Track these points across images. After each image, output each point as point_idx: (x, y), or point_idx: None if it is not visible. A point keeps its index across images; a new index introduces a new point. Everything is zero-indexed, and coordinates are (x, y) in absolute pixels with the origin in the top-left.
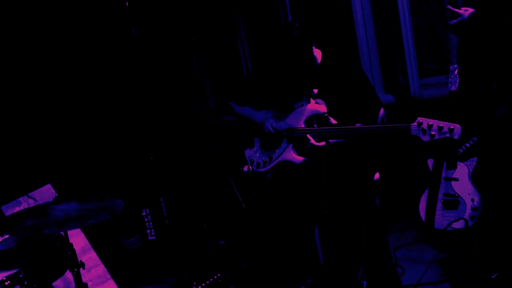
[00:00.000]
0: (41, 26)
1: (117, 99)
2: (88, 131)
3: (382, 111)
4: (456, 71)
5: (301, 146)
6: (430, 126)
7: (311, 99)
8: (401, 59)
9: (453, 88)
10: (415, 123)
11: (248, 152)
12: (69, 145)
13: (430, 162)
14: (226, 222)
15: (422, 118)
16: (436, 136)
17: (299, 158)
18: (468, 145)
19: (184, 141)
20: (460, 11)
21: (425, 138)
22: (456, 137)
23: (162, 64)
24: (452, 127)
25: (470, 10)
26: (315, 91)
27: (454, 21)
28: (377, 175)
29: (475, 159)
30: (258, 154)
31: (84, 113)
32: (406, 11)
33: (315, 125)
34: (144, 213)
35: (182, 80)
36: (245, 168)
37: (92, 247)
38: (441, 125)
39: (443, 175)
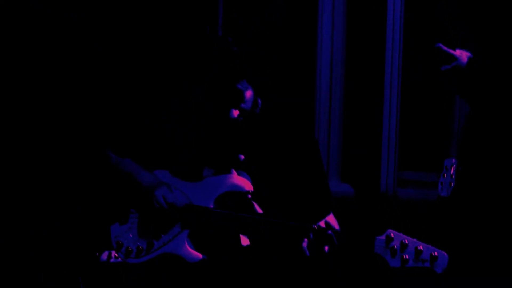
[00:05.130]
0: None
1: None
2: None
3: (332, 217)
4: (453, 169)
5: (203, 237)
6: (404, 246)
7: (233, 169)
8: (375, 135)
9: (444, 193)
10: (383, 237)
11: (115, 229)
12: None
13: None
14: None
15: (395, 232)
16: (410, 263)
17: (195, 255)
18: None
19: None
20: (456, 53)
21: (393, 262)
22: (439, 270)
23: None
24: (435, 253)
25: (467, 53)
26: (242, 157)
27: (447, 66)
28: None
29: None
30: (131, 235)
31: None
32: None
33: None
34: None
35: None
36: (105, 255)
37: None
38: (421, 247)
39: None
